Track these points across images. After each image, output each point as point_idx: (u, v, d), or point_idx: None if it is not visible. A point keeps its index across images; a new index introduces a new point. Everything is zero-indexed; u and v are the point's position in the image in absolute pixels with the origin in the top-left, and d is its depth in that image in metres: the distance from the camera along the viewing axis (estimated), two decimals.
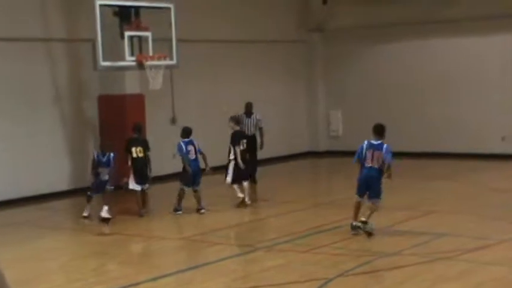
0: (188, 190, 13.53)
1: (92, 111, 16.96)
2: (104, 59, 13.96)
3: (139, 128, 13.98)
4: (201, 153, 13.62)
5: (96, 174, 13.24)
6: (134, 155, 13.47)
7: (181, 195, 13.47)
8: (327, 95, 22.61)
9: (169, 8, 14.92)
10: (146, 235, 12.31)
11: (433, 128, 20.80)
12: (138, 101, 16.94)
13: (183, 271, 9.76)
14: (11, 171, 15.31)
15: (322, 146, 22.41)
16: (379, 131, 11.47)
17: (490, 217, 12.45)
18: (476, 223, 12.17)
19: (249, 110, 17.24)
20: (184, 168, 13.43)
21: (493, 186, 15.83)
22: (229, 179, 14.08)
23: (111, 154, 13.21)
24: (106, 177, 13.17)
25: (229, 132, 14.32)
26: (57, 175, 16.14)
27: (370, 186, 11.19)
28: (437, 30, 20.41)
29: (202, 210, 13.51)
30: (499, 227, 11.70)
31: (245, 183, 14.19)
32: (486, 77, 19.97)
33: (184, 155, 13.33)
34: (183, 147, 13.35)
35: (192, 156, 13.38)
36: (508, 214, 12.53)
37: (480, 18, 19.71)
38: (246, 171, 14.32)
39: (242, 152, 14.09)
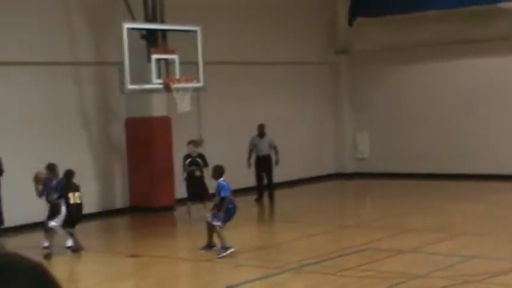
0: None
1: (119, 134, 17.08)
2: (131, 82, 14.06)
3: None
4: None
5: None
6: (72, 201, 12.65)
7: None
8: (354, 116, 22.56)
9: (195, 31, 15.01)
10: (173, 257, 12.31)
11: (458, 149, 20.63)
12: (165, 123, 17.04)
13: None
14: None
15: (350, 168, 22.33)
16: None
17: None
18: (505, 245, 12.02)
19: (261, 131, 17.62)
20: None
21: None
22: None
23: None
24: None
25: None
26: (85, 198, 16.18)
27: None
28: (462, 51, 20.31)
29: None
30: None
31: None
32: (510, 97, 19.80)
33: None
34: None
35: None
36: None
37: (505, 37, 19.59)
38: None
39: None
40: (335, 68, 22.47)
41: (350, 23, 22.21)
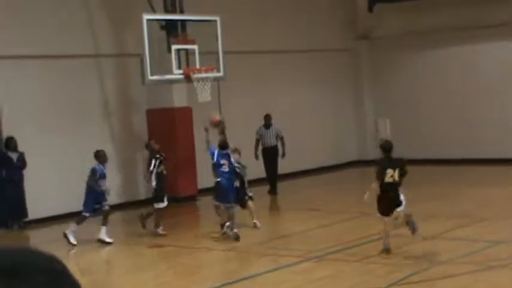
0: None
1: (141, 124, 17.15)
2: (152, 73, 14.10)
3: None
4: None
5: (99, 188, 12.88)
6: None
7: None
8: (375, 102, 22.47)
9: (215, 21, 15.00)
10: (196, 246, 12.37)
11: (479, 134, 20.48)
12: (186, 113, 17.08)
13: (233, 283, 9.78)
14: (63, 186, 15.51)
15: (371, 155, 22.23)
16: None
17: None
18: None
19: (268, 122, 17.39)
20: None
21: None
22: None
23: (106, 164, 13.08)
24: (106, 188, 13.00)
25: None
26: None
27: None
28: (485, 35, 20.11)
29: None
30: None
31: None
32: None
33: None
34: None
35: None
36: None
37: None
38: None
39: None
40: (355, 54, 22.38)
41: (370, 9, 22.10)
